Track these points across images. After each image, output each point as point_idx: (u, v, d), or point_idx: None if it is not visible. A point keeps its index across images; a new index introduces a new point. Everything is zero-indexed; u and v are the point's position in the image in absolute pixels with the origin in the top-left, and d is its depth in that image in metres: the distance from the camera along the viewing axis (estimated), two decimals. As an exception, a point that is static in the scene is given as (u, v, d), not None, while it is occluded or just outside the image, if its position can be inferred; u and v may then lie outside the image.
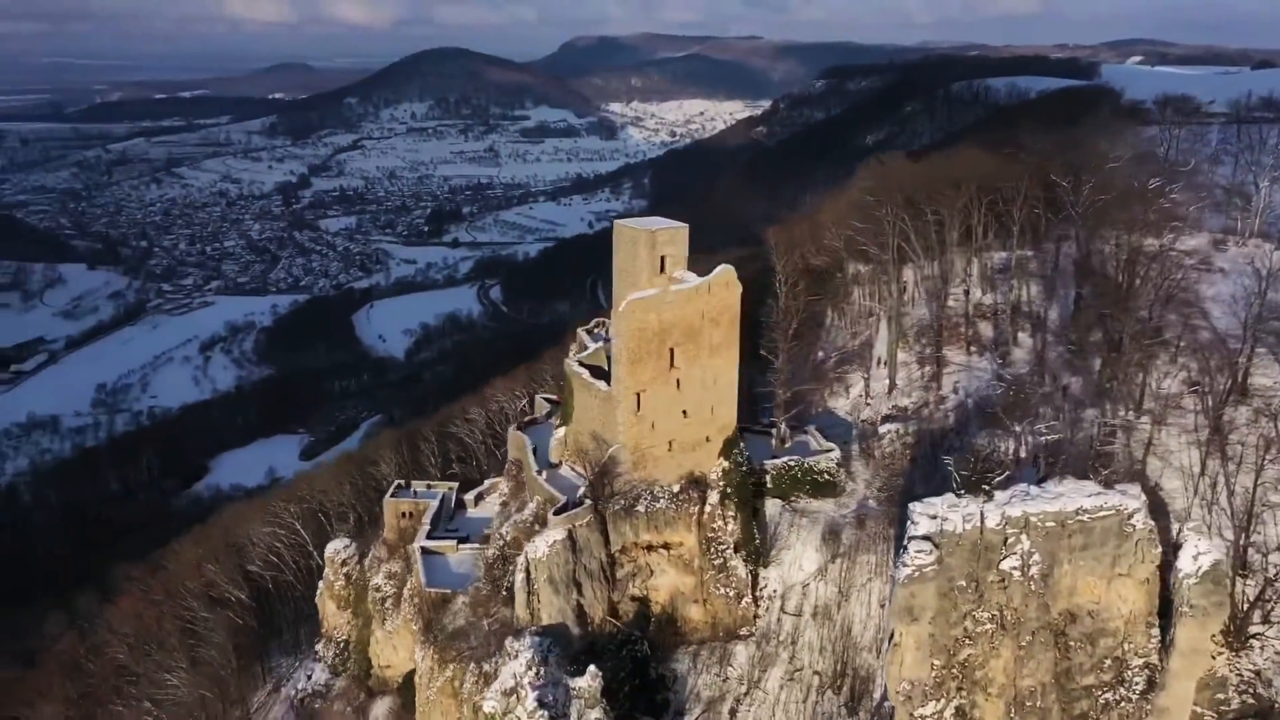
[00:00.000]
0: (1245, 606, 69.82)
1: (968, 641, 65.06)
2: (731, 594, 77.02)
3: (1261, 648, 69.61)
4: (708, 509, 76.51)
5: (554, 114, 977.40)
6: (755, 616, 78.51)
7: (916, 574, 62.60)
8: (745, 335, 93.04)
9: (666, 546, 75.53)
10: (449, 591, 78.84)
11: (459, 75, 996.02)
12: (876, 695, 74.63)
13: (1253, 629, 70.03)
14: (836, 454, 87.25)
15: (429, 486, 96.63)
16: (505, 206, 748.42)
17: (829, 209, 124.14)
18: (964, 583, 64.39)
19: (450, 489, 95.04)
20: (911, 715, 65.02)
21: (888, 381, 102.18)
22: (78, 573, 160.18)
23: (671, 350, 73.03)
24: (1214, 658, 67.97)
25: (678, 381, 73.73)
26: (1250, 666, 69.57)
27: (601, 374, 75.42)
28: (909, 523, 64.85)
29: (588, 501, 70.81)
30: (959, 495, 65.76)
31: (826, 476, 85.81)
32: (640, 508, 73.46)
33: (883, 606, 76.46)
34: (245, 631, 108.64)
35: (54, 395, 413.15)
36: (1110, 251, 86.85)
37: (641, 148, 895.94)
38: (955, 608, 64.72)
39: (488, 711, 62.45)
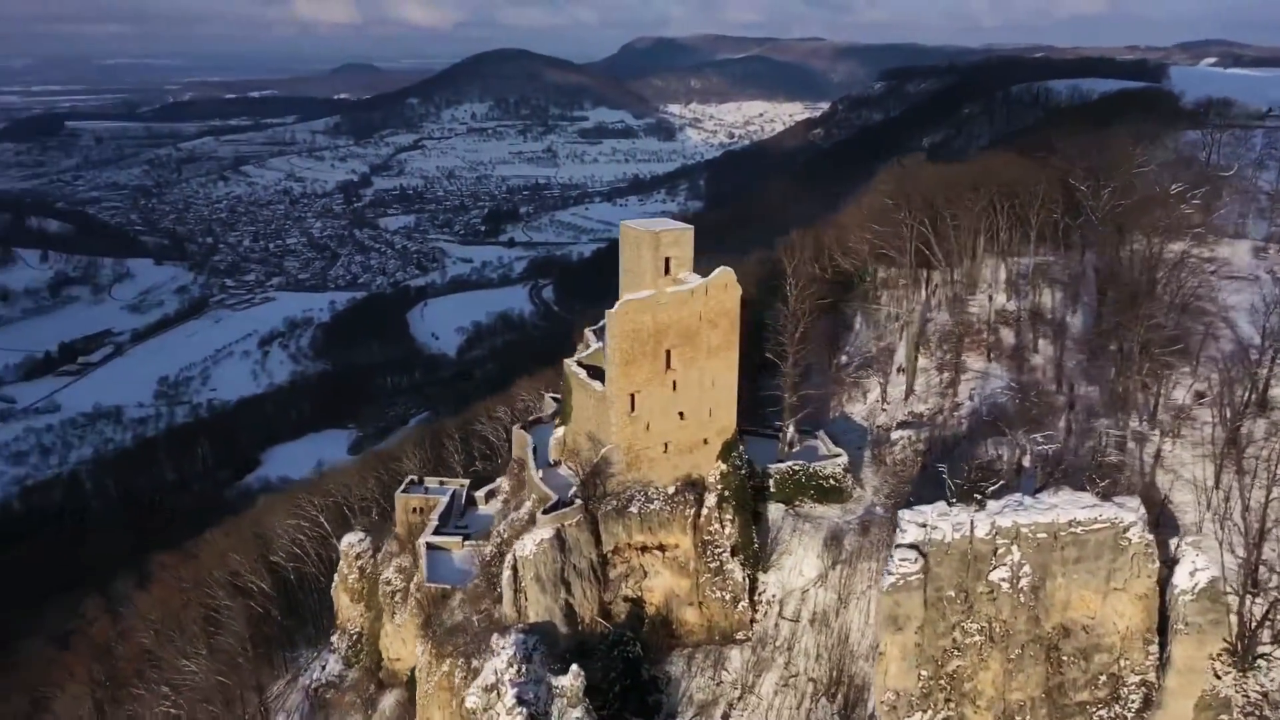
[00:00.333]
0: (1253, 625, 67.79)
1: (956, 653, 64.12)
2: (727, 597, 76.63)
3: (1270, 668, 67.43)
4: (704, 511, 76.22)
5: (612, 115, 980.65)
6: (752, 621, 77.98)
7: (901, 582, 61.85)
8: (758, 338, 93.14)
9: (662, 548, 75.43)
10: (449, 587, 79.69)
11: (519, 76, 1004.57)
12: (870, 705, 73.72)
13: (1261, 649, 67.92)
14: (844, 459, 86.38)
15: (441, 483, 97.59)
16: (561, 207, 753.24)
17: (852, 212, 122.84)
18: (952, 593, 63.50)
19: (461, 486, 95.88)
20: (897, 725, 64.28)
21: (905, 387, 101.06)
22: (124, 559, 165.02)
23: (668, 352, 72.91)
24: (1219, 677, 66.03)
25: (674, 383, 73.58)
26: (1257, 688, 67.24)
27: (599, 374, 75.51)
28: (897, 530, 64.11)
29: (578, 501, 71.01)
30: (950, 504, 64.86)
31: (832, 482, 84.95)
32: (633, 509, 73.50)
33: (881, 614, 75.64)
34: (267, 621, 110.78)
35: (119, 386, 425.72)
36: (1125, 258, 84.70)
37: (699, 149, 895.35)
38: (943, 618, 63.84)
39: (469, 706, 63.11)
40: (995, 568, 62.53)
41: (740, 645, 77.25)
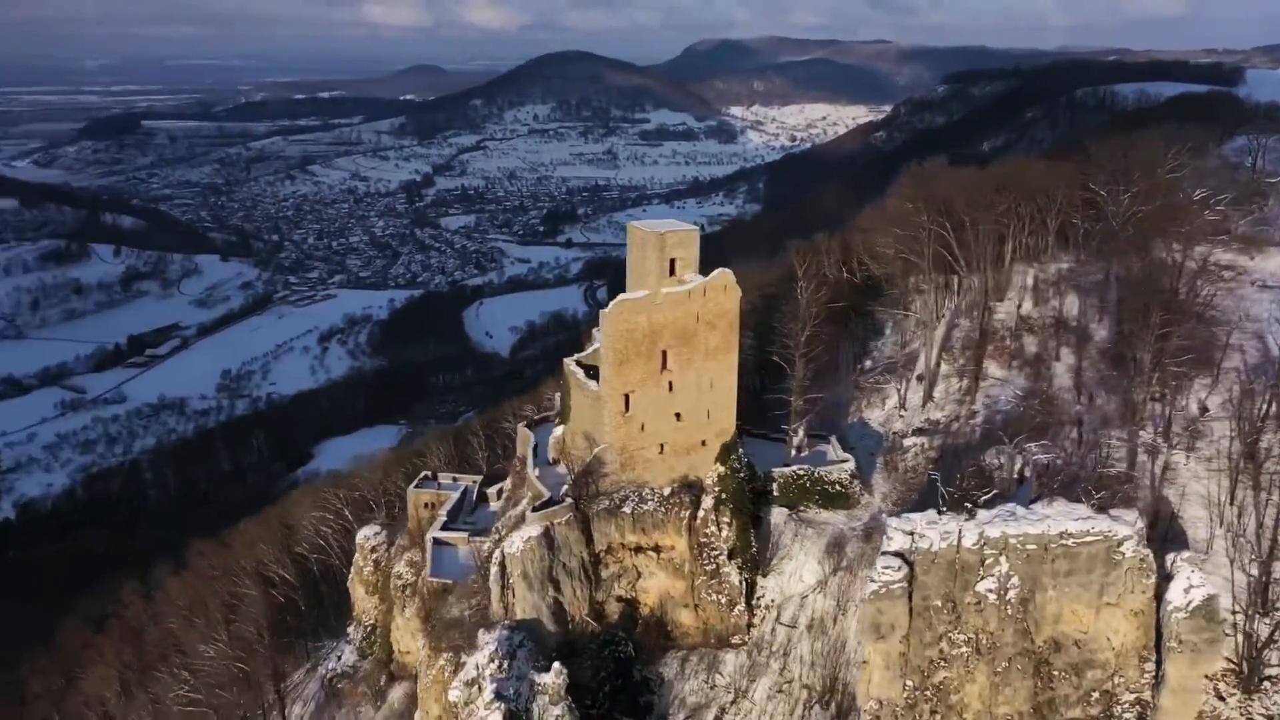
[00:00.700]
0: (1259, 645, 65.50)
1: (943, 664, 63.07)
2: (723, 601, 76.22)
3: (1276, 691, 65.11)
4: (701, 514, 75.84)
5: (674, 117, 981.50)
6: (749, 625, 77.44)
7: (883, 590, 61.08)
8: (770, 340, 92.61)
9: (657, 549, 75.28)
10: (449, 582, 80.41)
11: (581, 78, 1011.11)
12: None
13: (1269, 670, 65.62)
14: (851, 465, 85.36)
15: (454, 479, 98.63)
16: (620, 208, 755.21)
17: (871, 215, 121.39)
18: (939, 602, 62.46)
19: (474, 482, 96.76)
20: (880, 735, 63.43)
21: (923, 394, 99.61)
22: (168, 546, 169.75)
23: (665, 353, 72.82)
24: (1223, 699, 64.01)
25: (670, 384, 73.41)
26: (1263, 711, 64.89)
27: (597, 373, 75.68)
28: (885, 537, 63.30)
29: (568, 500, 71.25)
30: (941, 512, 63.84)
31: (838, 487, 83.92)
32: (626, 509, 73.44)
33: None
34: (289, 610, 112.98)
35: (183, 379, 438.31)
36: (1143, 264, 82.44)
37: (760, 152, 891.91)
38: (930, 628, 62.84)
39: (451, 700, 63.79)
40: (983, 578, 61.35)
41: (736, 649, 76.75)
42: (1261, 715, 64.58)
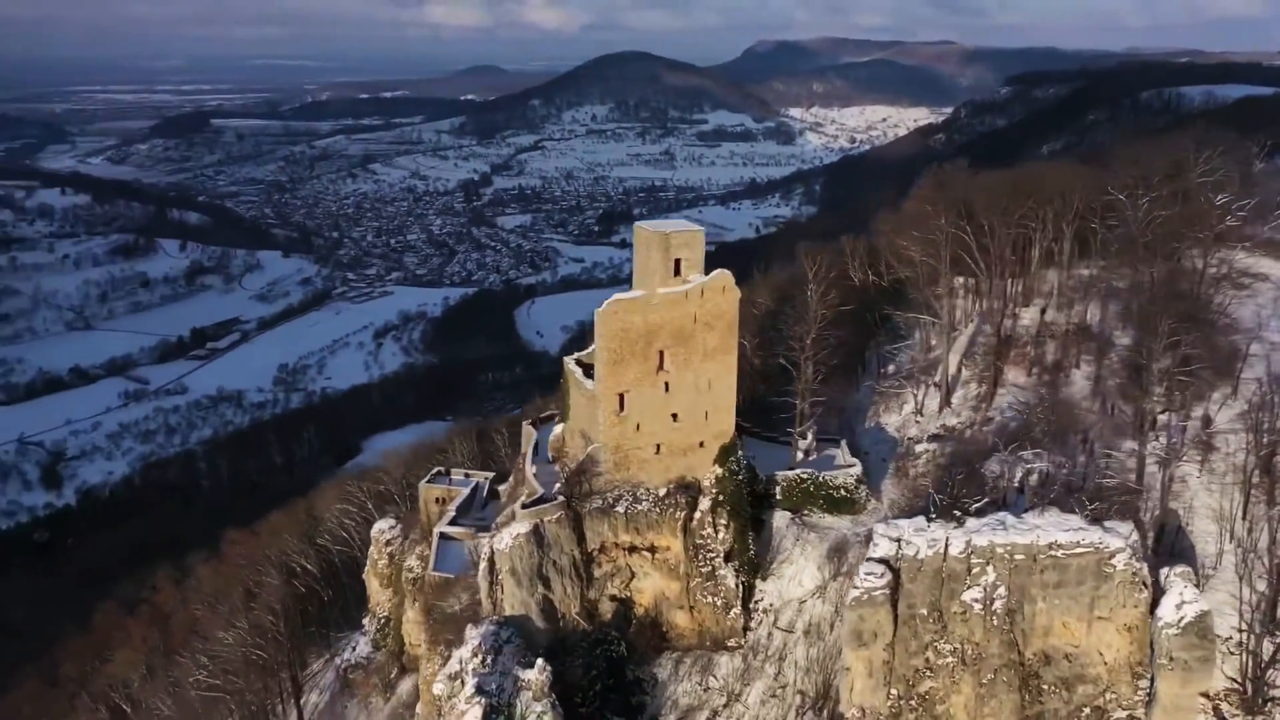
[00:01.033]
0: (1264, 665, 63.32)
1: (929, 673, 62.12)
2: (719, 603, 75.85)
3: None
4: (697, 515, 75.55)
5: (732, 118, 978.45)
6: (746, 629, 76.99)
7: (865, 597, 60.30)
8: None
9: (652, 550, 75.10)
10: (451, 576, 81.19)
11: (640, 78, 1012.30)
12: (857, 722, 71.88)
13: (1274, 692, 63.38)
14: (857, 470, 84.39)
15: (466, 475, 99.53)
16: (675, 209, 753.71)
17: (890, 219, 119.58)
18: (925, 611, 61.50)
19: (485, 478, 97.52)
20: (863, 744, 62.63)
21: (940, 400, 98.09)
22: (209, 535, 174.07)
23: (661, 353, 72.68)
24: (1226, 720, 62.10)
25: (666, 385, 73.24)
26: (1267, 734, 63.00)
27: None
28: (870, 544, 62.49)
29: (560, 498, 71.43)
30: (930, 519, 62.85)
31: (843, 492, 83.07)
32: (620, 508, 73.36)
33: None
34: (310, 600, 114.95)
35: (242, 372, 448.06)
36: (1158, 273, 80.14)
37: (818, 154, 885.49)
38: (915, 636, 61.94)
39: (435, 693, 64.49)
40: (969, 588, 60.28)
41: (731, 652, 76.38)
42: (1265, 738, 62.57)
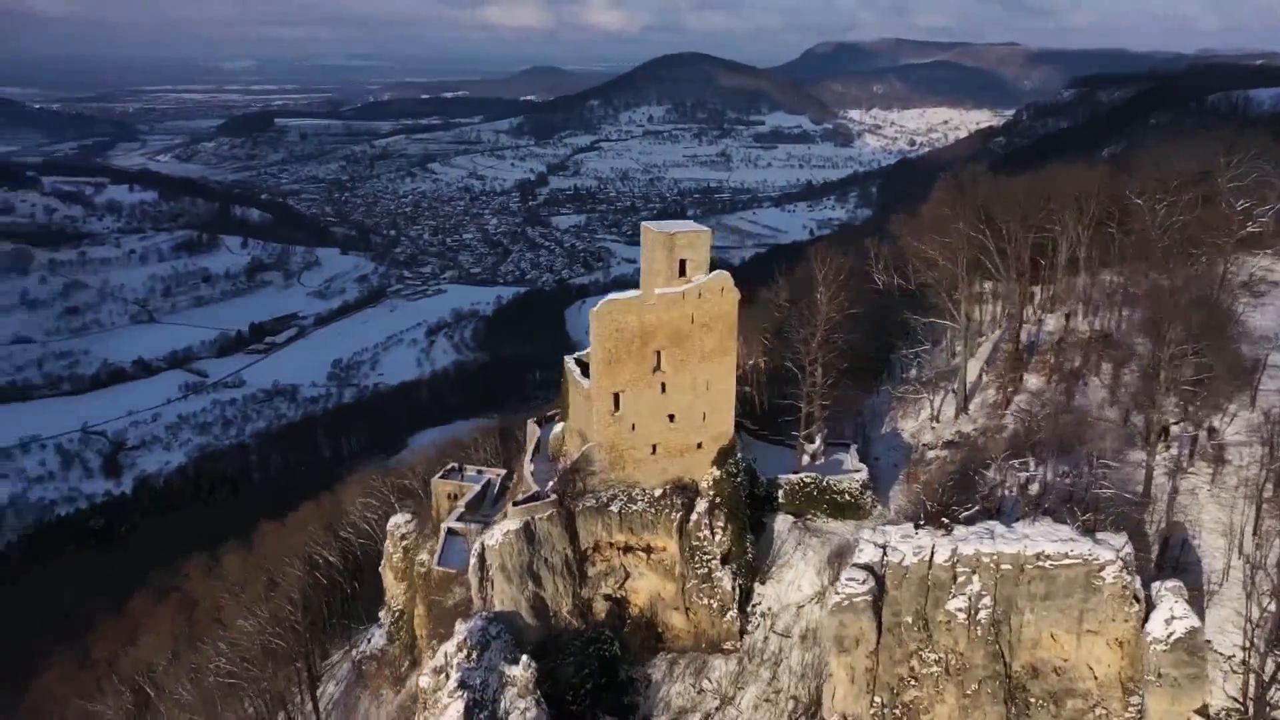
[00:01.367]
0: (1266, 683, 61.27)
1: (913, 682, 61.20)
2: (715, 606, 75.51)
3: (1283, 735, 60.91)
4: (694, 517, 75.28)
5: (789, 120, 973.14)
6: (742, 632, 76.55)
7: (846, 603, 59.62)
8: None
9: (648, 550, 75.08)
10: (453, 571, 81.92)
11: (697, 80, 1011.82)
12: (848, 729, 71.02)
13: (1275, 714, 61.34)
14: (863, 475, 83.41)
15: (479, 471, 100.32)
16: (730, 210, 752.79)
17: (908, 222, 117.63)
18: (910, 619, 60.57)
19: (497, 475, 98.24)
20: (844, 752, 61.92)
21: (956, 406, 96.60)
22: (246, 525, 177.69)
23: (658, 353, 72.61)
24: (1225, 740, 60.21)
25: (663, 385, 73.14)
26: (1268, 756, 61.00)
27: (596, 372, 75.88)
28: (856, 550, 61.78)
29: (552, 496, 71.71)
30: (918, 526, 61.94)
31: (847, 497, 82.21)
32: (614, 508, 73.43)
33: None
34: (332, 591, 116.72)
35: (297, 367, 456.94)
36: (1175, 278, 77.85)
37: (876, 156, 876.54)
38: (900, 644, 61.07)
39: (422, 686, 65.21)
40: (954, 596, 59.26)
41: (726, 655, 75.99)
42: (1266, 760, 60.60)
